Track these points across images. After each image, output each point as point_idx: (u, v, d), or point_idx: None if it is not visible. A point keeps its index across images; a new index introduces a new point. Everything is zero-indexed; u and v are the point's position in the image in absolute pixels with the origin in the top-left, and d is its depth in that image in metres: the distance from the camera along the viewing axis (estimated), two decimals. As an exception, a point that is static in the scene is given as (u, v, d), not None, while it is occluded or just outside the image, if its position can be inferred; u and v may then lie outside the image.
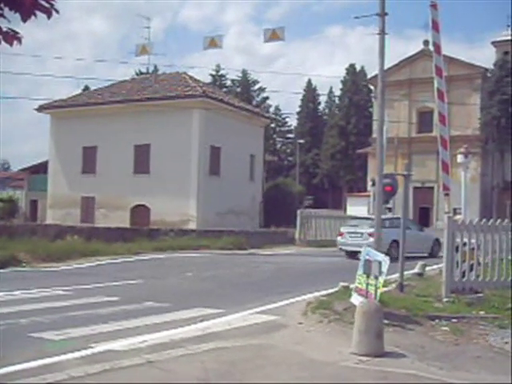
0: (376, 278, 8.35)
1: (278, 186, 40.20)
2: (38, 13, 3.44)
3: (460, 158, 20.77)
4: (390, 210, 27.74)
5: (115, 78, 54.55)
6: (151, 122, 30.97)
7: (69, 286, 12.53)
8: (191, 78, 34.66)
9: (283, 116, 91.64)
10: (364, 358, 7.04)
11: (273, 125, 77.70)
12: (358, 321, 7.34)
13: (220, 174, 32.06)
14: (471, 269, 11.25)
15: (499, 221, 12.00)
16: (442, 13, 11.99)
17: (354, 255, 18.90)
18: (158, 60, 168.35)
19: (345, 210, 53.77)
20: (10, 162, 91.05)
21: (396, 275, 11.50)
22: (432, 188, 52.35)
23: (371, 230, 16.10)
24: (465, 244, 11.20)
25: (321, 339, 8.18)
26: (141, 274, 15.25)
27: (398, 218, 13.86)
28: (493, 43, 59.76)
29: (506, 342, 8.08)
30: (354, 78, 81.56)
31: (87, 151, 33.16)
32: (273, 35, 17.52)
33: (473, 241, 11.31)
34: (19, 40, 3.52)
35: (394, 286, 11.47)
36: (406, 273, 11.90)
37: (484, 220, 11.92)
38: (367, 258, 8.76)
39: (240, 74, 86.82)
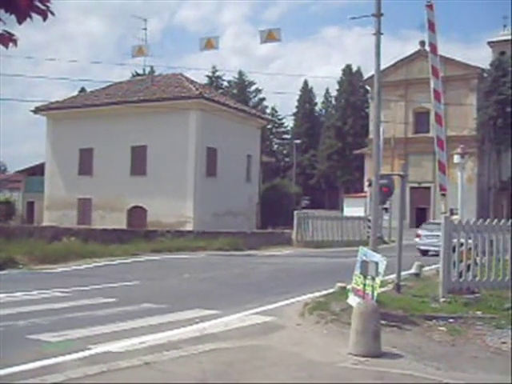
0: (373, 278, 8.36)
1: (275, 187, 40.19)
2: (33, 15, 3.43)
3: (456, 159, 20.76)
4: (386, 210, 27.80)
5: (112, 80, 54.55)
6: (148, 123, 30.94)
7: (66, 287, 12.50)
8: (188, 79, 34.65)
9: (280, 117, 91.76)
10: (361, 359, 7.05)
11: (269, 126, 77.70)
12: (355, 321, 7.34)
13: (217, 175, 32.04)
14: (468, 269, 11.26)
15: (496, 221, 12.02)
16: (438, 13, 12.03)
17: (426, 253, 22.91)
18: (154, 61, 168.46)
19: (341, 210, 53.86)
20: (7, 163, 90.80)
21: (393, 276, 11.51)
22: (429, 188, 52.39)
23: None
24: (462, 244, 11.21)
25: (318, 340, 8.19)
26: (138, 275, 15.23)
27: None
28: (489, 43, 59.92)
29: (503, 342, 8.10)
30: (351, 78, 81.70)
31: (84, 153, 33.09)
32: (269, 36, 17.51)
33: (470, 241, 11.33)
34: (15, 42, 3.50)
35: (390, 286, 11.48)
36: (402, 273, 11.92)
37: (481, 220, 11.93)
38: (364, 258, 8.77)
39: (236, 75, 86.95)
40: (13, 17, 3.40)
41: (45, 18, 3.50)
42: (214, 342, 7.77)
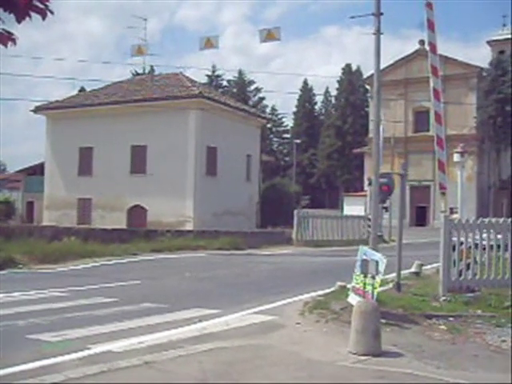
0: (373, 277, 8.35)
1: (275, 186, 40.18)
2: (32, 14, 3.43)
3: (456, 157, 20.83)
4: (386, 209, 27.75)
5: (112, 79, 54.52)
6: (148, 122, 30.93)
7: (66, 287, 12.48)
8: (187, 78, 34.66)
9: (280, 116, 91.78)
10: (361, 358, 7.05)
11: (269, 125, 77.80)
12: (356, 320, 7.34)
13: (217, 175, 32.04)
14: (468, 268, 11.26)
15: (495, 219, 12.01)
16: (437, 12, 11.99)
17: None
18: (154, 60, 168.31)
19: (341, 209, 53.81)
20: (7, 163, 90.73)
21: (393, 274, 11.51)
22: (428, 187, 52.38)
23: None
24: (461, 243, 11.21)
25: (318, 339, 8.18)
26: (138, 274, 15.23)
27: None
28: (488, 42, 59.86)
29: (503, 341, 8.10)
30: (350, 77, 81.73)
31: (83, 152, 33.09)
32: (269, 35, 17.47)
33: (469, 239, 11.33)
34: (14, 41, 3.50)
35: (391, 285, 11.47)
36: (402, 272, 11.91)
37: (480, 219, 11.93)
38: (364, 257, 8.77)
39: (236, 75, 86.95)
40: (12, 16, 3.39)
41: (44, 17, 3.50)
42: (213, 342, 7.77)
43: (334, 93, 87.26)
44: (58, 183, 33.99)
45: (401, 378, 6.31)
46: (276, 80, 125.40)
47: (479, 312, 9.73)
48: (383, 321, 8.12)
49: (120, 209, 31.57)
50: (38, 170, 38.12)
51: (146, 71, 46.38)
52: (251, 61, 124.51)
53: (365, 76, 64.18)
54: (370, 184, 14.93)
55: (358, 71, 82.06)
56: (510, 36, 55.60)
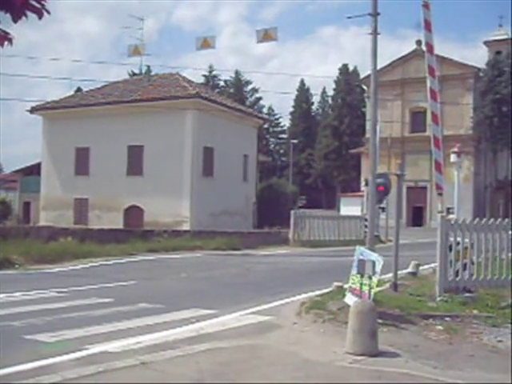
0: (370, 277, 8.36)
1: (272, 187, 40.17)
2: (28, 13, 3.42)
3: (453, 158, 20.80)
4: (383, 209, 27.77)
5: (108, 79, 54.44)
6: (144, 122, 30.88)
7: (63, 287, 12.46)
8: (184, 78, 34.61)
9: (276, 116, 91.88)
10: (358, 358, 7.05)
11: (266, 125, 77.70)
12: (352, 320, 7.34)
13: (213, 175, 32.01)
14: (465, 268, 11.28)
15: (492, 220, 12.04)
16: (434, 12, 12.01)
17: None
18: (151, 61, 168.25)
19: (338, 209, 53.88)
20: (3, 163, 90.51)
21: (390, 275, 11.52)
22: (425, 187, 52.46)
23: None
24: (458, 243, 11.23)
25: (315, 339, 8.18)
26: (134, 275, 15.21)
27: None
28: (485, 43, 59.95)
29: (500, 341, 8.11)
30: (347, 78, 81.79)
31: (80, 152, 33.02)
32: (266, 35, 17.46)
33: (466, 240, 11.35)
34: (10, 41, 3.49)
35: (387, 285, 11.49)
36: (399, 272, 11.93)
37: (477, 219, 11.95)
38: (361, 257, 8.77)
39: (233, 75, 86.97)
40: (8, 15, 3.38)
41: (40, 17, 3.48)
42: (210, 342, 7.76)
43: (330, 93, 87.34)
44: (54, 183, 33.93)
45: (398, 378, 6.31)
46: (273, 80, 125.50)
47: (476, 312, 9.75)
48: (380, 321, 8.13)
49: (117, 209, 31.52)
50: (34, 171, 38.03)
51: (143, 71, 46.20)
52: (248, 61, 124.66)
53: (362, 76, 64.13)
54: (366, 184, 14.90)
55: (355, 71, 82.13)
56: (506, 36, 55.73)
